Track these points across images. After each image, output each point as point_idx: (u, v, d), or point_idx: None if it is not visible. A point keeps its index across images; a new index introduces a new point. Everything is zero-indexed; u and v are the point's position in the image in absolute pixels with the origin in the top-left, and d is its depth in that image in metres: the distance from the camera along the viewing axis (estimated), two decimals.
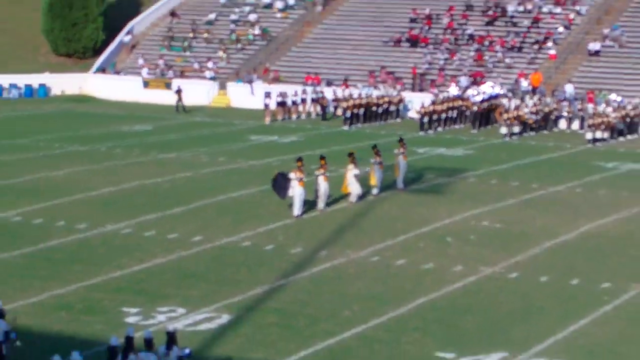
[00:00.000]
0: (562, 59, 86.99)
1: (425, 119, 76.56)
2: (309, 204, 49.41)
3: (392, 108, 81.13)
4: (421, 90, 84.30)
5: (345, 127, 76.88)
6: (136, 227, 46.28)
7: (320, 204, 49.85)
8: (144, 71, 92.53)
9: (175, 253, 42.25)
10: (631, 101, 77.55)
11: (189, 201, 51.24)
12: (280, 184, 49.58)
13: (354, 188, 51.58)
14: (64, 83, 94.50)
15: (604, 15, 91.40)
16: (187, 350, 28.36)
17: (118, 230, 45.65)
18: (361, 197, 51.97)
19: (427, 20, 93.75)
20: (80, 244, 43.53)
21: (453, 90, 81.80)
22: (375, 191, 52.99)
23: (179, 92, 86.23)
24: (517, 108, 76.25)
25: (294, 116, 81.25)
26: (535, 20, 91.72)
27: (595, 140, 72.07)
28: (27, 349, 29.86)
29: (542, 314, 36.08)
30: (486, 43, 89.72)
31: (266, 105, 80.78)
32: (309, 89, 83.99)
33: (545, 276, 40.28)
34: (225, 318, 34.78)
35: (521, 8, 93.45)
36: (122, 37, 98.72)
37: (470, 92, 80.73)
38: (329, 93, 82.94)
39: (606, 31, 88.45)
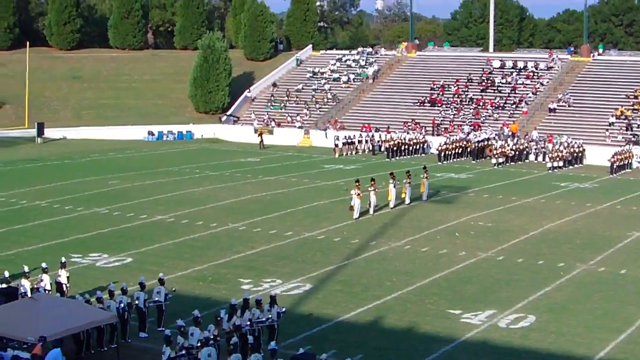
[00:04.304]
0: (531, 114, 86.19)
1: (441, 154, 76.12)
2: (364, 211, 49.15)
3: (419, 146, 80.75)
4: (438, 134, 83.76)
5: (388, 159, 76.50)
6: (249, 225, 46.17)
7: (371, 210, 49.56)
8: (255, 122, 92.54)
9: (274, 243, 42.14)
10: (576, 142, 76.79)
11: (283, 208, 51.06)
12: None
13: (392, 198, 51.43)
14: (203, 130, 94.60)
15: (558, 86, 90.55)
16: (283, 309, 28.22)
17: (237, 227, 45.58)
18: (397, 205, 51.71)
19: (442, 88, 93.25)
20: (212, 236, 43.54)
21: (459, 134, 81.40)
22: (407, 201, 52.66)
23: (260, 134, 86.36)
24: (502, 146, 75.69)
25: (353, 152, 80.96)
26: (514, 89, 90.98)
27: (553, 168, 71.34)
28: (178, 306, 29.89)
29: (519, 283, 35.68)
30: (481, 103, 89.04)
31: (335, 145, 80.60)
32: (364, 133, 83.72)
33: (521, 258, 39.84)
34: (308, 286, 34.68)
35: (504, 80, 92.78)
36: (246, 93, 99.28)
37: (471, 135, 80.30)
38: (377, 136, 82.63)
39: (560, 96, 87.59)
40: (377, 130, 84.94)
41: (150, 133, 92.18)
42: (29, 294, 28.19)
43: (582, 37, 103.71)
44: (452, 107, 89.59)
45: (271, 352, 23.71)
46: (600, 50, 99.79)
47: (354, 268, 37.74)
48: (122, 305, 27.79)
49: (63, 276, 31.06)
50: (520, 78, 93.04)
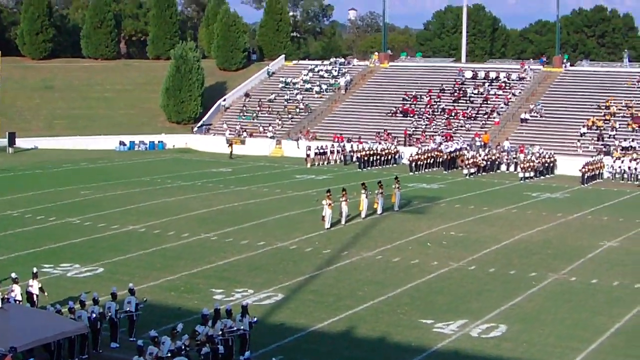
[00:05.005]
0: (503, 124, 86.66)
1: (413, 164, 76.32)
2: (335, 221, 49.19)
3: (391, 157, 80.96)
4: (410, 145, 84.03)
5: (359, 169, 76.64)
6: (220, 235, 46.13)
7: (342, 220, 49.59)
8: (227, 132, 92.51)
9: (246, 253, 42.10)
10: (548, 152, 77.25)
11: (255, 218, 51.05)
12: None
13: (364, 209, 51.51)
14: (175, 140, 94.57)
15: (530, 96, 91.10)
16: (254, 319, 28.22)
17: (209, 238, 45.51)
18: (369, 215, 51.80)
19: (414, 98, 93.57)
20: (184, 247, 43.44)
21: (431, 145, 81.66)
22: (379, 211, 52.74)
23: (230, 144, 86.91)
24: (474, 157, 76.07)
25: (325, 162, 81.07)
26: (486, 99, 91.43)
27: (525, 178, 71.77)
28: (149, 315, 29.82)
29: (491, 293, 35.82)
30: (453, 114, 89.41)
31: (307, 155, 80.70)
32: (336, 144, 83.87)
33: (493, 268, 40.00)
34: (280, 296, 34.67)
35: (476, 91, 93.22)
36: (220, 102, 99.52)
37: (442, 146, 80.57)
38: (348, 146, 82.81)
39: (532, 106, 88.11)
40: (349, 140, 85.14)
41: (122, 143, 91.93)
42: None
43: (555, 48, 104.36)
44: (424, 117, 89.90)
45: None
46: (566, 60, 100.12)
47: (326, 278, 37.76)
48: (93, 315, 27.71)
49: (35, 286, 30.92)
50: (492, 88, 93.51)
